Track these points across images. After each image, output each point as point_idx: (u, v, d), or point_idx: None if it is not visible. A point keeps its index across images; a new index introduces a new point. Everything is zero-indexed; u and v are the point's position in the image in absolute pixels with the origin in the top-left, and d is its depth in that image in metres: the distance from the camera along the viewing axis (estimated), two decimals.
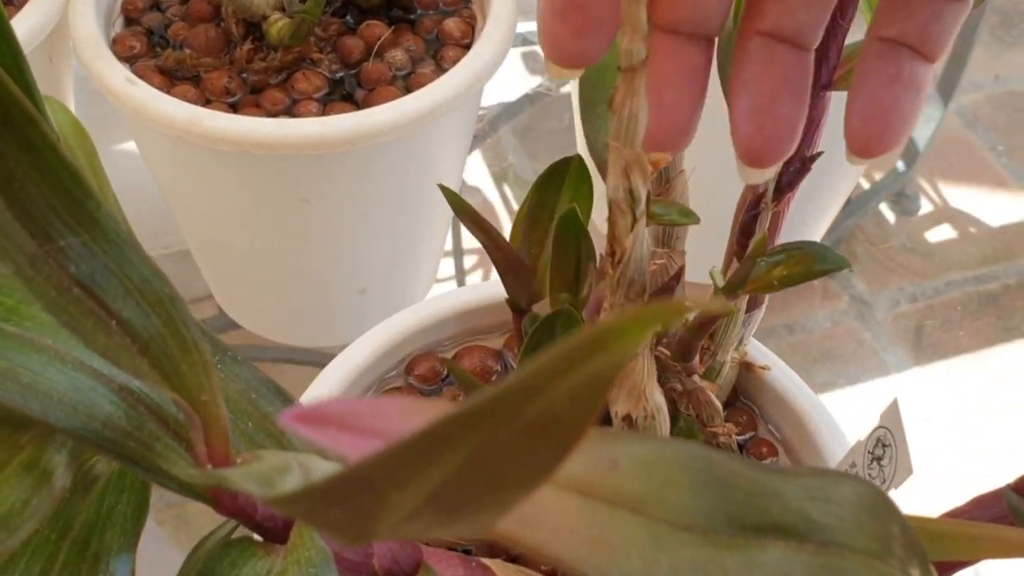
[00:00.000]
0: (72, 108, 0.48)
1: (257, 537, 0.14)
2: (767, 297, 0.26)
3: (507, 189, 0.62)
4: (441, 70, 0.39)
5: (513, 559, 0.21)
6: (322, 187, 0.38)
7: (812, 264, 0.22)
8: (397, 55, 0.40)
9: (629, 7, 0.14)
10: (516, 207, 0.61)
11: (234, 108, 0.38)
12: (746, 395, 0.29)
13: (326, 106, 0.39)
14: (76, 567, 0.13)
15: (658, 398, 0.18)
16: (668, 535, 0.11)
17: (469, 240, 0.56)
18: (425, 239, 0.44)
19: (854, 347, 0.57)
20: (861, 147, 0.16)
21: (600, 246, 0.21)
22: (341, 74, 0.40)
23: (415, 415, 0.10)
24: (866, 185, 0.64)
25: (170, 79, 0.39)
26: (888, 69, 0.16)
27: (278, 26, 0.39)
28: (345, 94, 0.40)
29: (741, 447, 0.27)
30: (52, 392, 0.12)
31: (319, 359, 0.48)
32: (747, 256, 0.22)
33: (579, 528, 0.11)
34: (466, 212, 0.24)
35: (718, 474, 0.12)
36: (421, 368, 0.29)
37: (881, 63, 0.16)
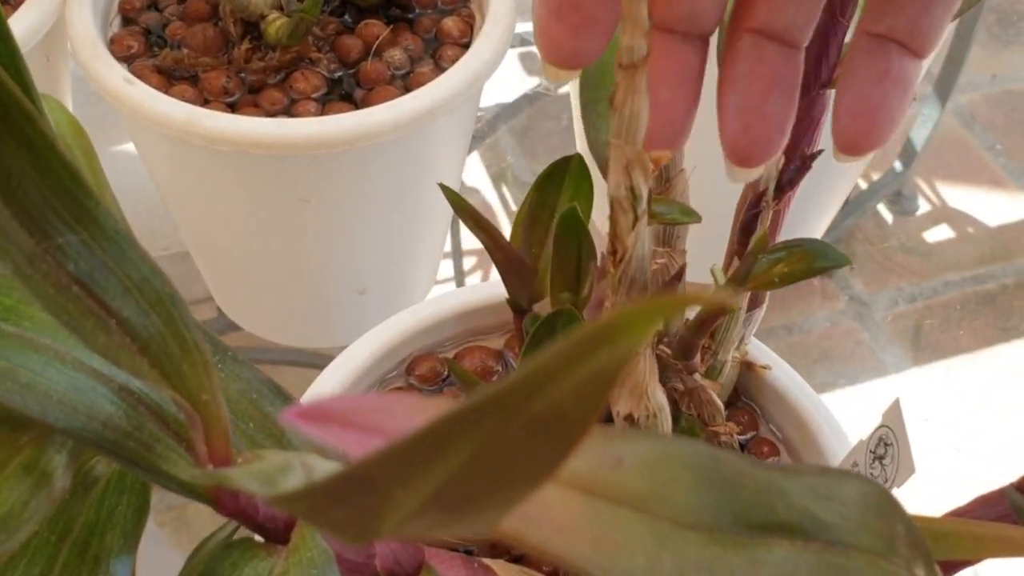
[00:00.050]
0: (70, 109, 0.48)
1: (258, 538, 0.14)
2: (768, 296, 0.26)
3: (505, 190, 0.62)
4: (440, 69, 0.39)
5: (515, 559, 0.20)
6: (321, 187, 0.38)
7: (813, 261, 0.21)
8: (396, 54, 0.40)
9: (630, 3, 0.14)
10: (515, 208, 0.61)
11: (232, 108, 0.38)
12: (747, 394, 0.29)
13: (325, 106, 0.39)
14: (76, 569, 0.13)
15: (660, 397, 0.18)
16: (672, 534, 0.11)
17: (468, 241, 0.56)
18: (424, 239, 0.44)
19: (853, 347, 0.57)
20: (848, 144, 0.16)
21: (600, 245, 0.21)
22: (339, 74, 0.40)
23: (418, 412, 0.10)
24: (864, 185, 0.64)
25: (168, 79, 0.39)
26: (877, 65, 0.16)
27: (276, 25, 0.39)
28: (344, 94, 0.40)
29: (742, 446, 0.27)
30: (51, 392, 0.12)
31: (319, 361, 0.48)
32: (748, 253, 0.22)
33: (583, 526, 0.11)
34: (467, 211, 0.24)
35: (723, 472, 0.12)
36: (422, 369, 0.29)
37: (870, 59, 0.16)
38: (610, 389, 0.08)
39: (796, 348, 0.57)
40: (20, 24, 0.38)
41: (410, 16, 0.42)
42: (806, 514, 0.12)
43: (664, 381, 0.23)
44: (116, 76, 0.36)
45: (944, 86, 0.62)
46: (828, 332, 0.59)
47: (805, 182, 0.23)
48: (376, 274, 0.43)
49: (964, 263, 0.62)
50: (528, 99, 0.66)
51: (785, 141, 0.16)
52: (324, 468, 0.12)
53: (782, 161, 0.22)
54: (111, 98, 0.36)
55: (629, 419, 0.18)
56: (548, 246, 0.25)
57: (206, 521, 0.43)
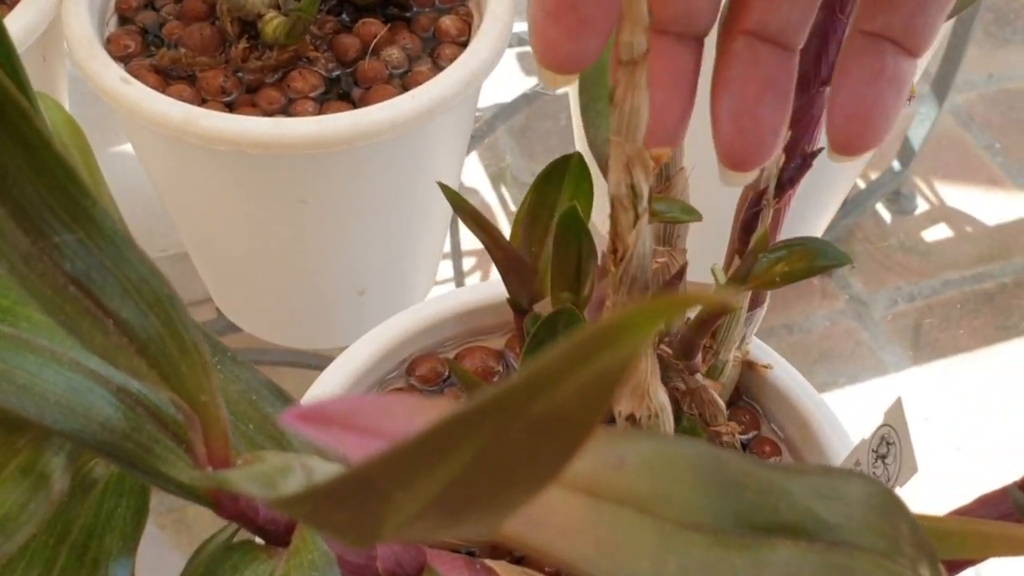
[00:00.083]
0: (67, 109, 0.48)
1: (259, 540, 0.14)
2: (768, 295, 0.26)
3: (504, 190, 0.62)
4: (438, 68, 0.39)
5: (517, 561, 0.20)
6: (319, 187, 0.37)
7: (814, 260, 0.21)
8: (393, 53, 0.40)
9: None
10: (513, 208, 0.61)
11: (230, 107, 0.38)
12: (748, 394, 0.29)
13: (322, 105, 0.39)
14: (75, 572, 0.13)
15: (662, 397, 0.18)
16: (676, 535, 0.11)
17: (467, 242, 0.56)
18: (424, 239, 0.44)
19: (852, 347, 0.57)
20: (843, 144, 0.16)
21: (600, 245, 0.21)
22: (337, 73, 0.40)
23: (419, 414, 0.09)
24: (862, 185, 0.64)
25: (165, 78, 0.39)
26: (871, 64, 0.16)
27: (273, 24, 0.38)
28: (341, 93, 0.40)
29: (744, 446, 0.27)
30: (49, 394, 0.12)
31: (319, 362, 0.48)
32: (749, 251, 0.22)
33: (586, 528, 0.11)
34: (466, 211, 0.23)
35: (726, 473, 0.12)
36: (422, 369, 0.28)
37: (864, 58, 0.16)
38: (614, 391, 0.08)
39: (796, 347, 0.57)
40: (16, 23, 0.37)
41: (408, 15, 0.42)
42: (810, 514, 0.12)
43: (666, 381, 0.23)
44: (113, 76, 0.36)
45: (941, 85, 0.62)
46: (828, 331, 0.58)
47: (805, 180, 0.23)
48: (375, 274, 0.43)
49: (963, 262, 0.63)
50: (526, 99, 0.66)
51: (779, 144, 0.16)
52: (324, 470, 0.12)
53: (783, 159, 0.22)
54: (108, 98, 0.36)
55: (631, 419, 0.18)
56: (548, 245, 0.25)
57: (207, 523, 0.43)
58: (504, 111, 0.65)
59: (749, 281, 0.22)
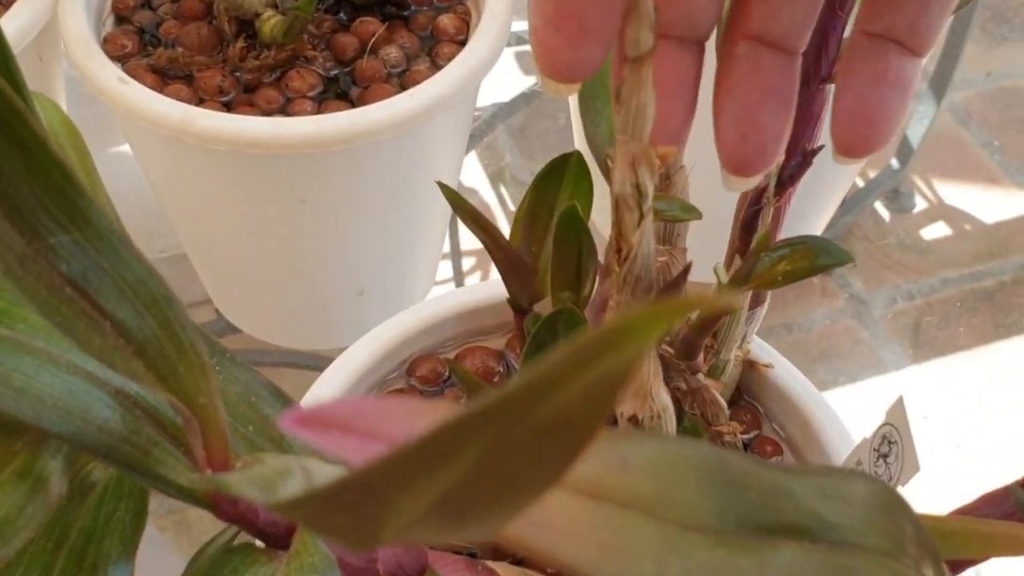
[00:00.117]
0: (64, 110, 0.48)
1: (259, 543, 0.14)
2: (769, 294, 0.26)
3: (503, 189, 0.62)
4: (436, 67, 0.39)
5: (518, 562, 0.20)
6: (318, 187, 0.37)
7: (815, 259, 0.21)
8: (392, 52, 0.40)
9: None
10: (513, 207, 0.61)
11: (228, 107, 0.38)
12: (750, 393, 0.28)
13: (321, 104, 0.38)
14: None
15: (664, 397, 0.18)
16: (680, 537, 0.11)
17: (466, 242, 0.56)
18: (423, 239, 0.44)
19: (852, 345, 0.57)
20: (847, 148, 0.16)
21: (599, 245, 0.21)
22: (335, 72, 0.40)
23: (420, 417, 0.09)
24: (861, 183, 0.64)
25: (162, 78, 0.39)
26: (875, 66, 0.16)
27: (271, 23, 0.38)
28: (340, 92, 0.39)
29: (746, 446, 0.27)
30: (46, 396, 0.12)
31: (318, 362, 0.47)
32: (751, 251, 0.21)
33: (590, 531, 0.10)
34: (466, 210, 0.23)
35: (729, 474, 0.12)
36: (422, 370, 0.28)
37: (868, 60, 0.16)
38: (617, 394, 0.08)
39: (796, 347, 0.57)
40: (12, 23, 0.37)
41: (405, 13, 0.42)
42: (813, 515, 0.12)
43: (667, 381, 0.23)
44: (110, 76, 0.36)
45: (939, 83, 0.62)
46: (827, 330, 0.58)
47: (805, 179, 0.23)
48: (374, 274, 0.43)
49: (962, 260, 0.63)
50: (525, 98, 0.65)
51: (782, 150, 0.16)
52: (325, 473, 0.12)
53: (783, 157, 0.22)
54: (105, 98, 0.36)
55: (633, 420, 0.18)
56: (548, 245, 0.24)
57: (207, 525, 0.43)
58: (503, 110, 0.65)
59: (751, 281, 0.21)
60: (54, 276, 0.11)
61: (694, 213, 0.22)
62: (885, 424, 0.21)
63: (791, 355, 0.28)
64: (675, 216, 0.22)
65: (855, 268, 0.60)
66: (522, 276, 0.25)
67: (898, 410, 0.21)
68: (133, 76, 0.37)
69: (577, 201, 0.23)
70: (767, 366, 0.28)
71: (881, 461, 0.21)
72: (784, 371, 0.28)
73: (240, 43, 0.39)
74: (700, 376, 0.23)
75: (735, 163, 0.16)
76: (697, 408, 0.23)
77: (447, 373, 0.28)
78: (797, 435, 0.28)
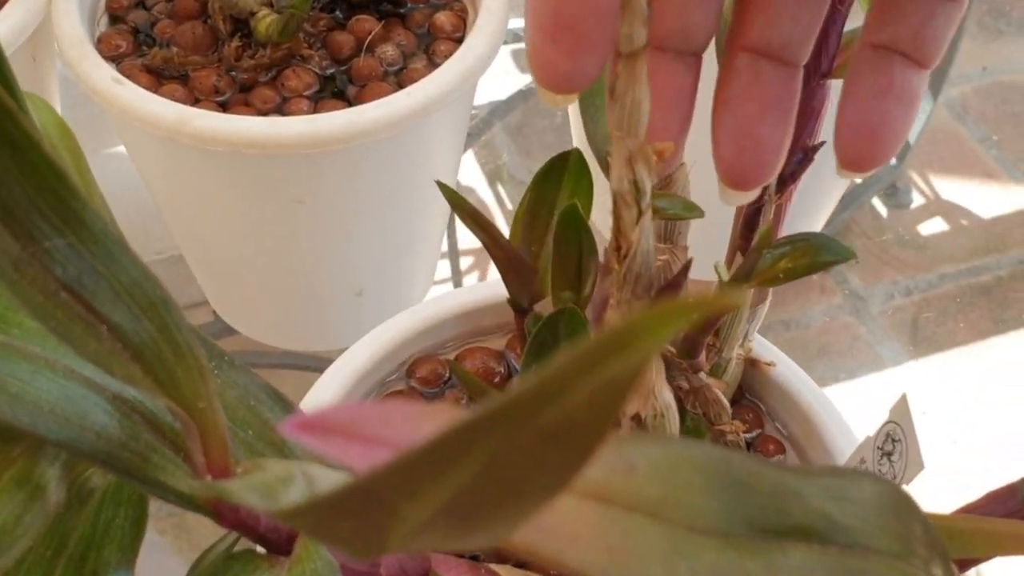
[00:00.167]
0: (58, 111, 0.48)
1: (260, 549, 0.14)
2: (771, 291, 0.26)
3: (501, 188, 0.62)
4: (433, 65, 0.39)
5: (521, 565, 0.20)
6: (315, 187, 0.37)
7: (817, 256, 0.21)
8: (388, 50, 0.40)
9: None
10: (511, 206, 0.61)
11: (223, 107, 0.38)
12: (751, 392, 0.28)
13: (317, 103, 0.38)
14: None
15: (667, 396, 0.18)
16: (688, 540, 0.11)
17: (465, 241, 0.56)
18: (421, 239, 0.43)
19: (850, 342, 0.57)
20: (852, 162, 0.16)
21: (600, 244, 0.21)
22: (331, 70, 0.40)
23: (425, 422, 0.09)
24: (858, 180, 0.64)
25: (157, 78, 0.38)
26: (880, 79, 0.16)
27: (266, 22, 0.38)
28: (336, 91, 0.39)
29: (748, 445, 0.27)
30: (42, 402, 0.12)
31: (318, 364, 0.47)
32: (753, 248, 0.21)
33: (597, 536, 0.10)
34: (465, 209, 0.23)
35: (736, 476, 0.12)
36: (423, 371, 0.28)
37: (872, 73, 0.16)
38: (625, 398, 0.07)
39: (794, 343, 0.57)
40: (5, 23, 0.37)
41: (402, 11, 0.42)
42: (822, 516, 0.12)
43: (670, 380, 0.22)
44: (104, 76, 0.36)
45: (936, 78, 0.62)
46: (826, 327, 0.58)
47: (805, 175, 0.23)
48: (373, 275, 0.43)
49: (959, 255, 0.63)
50: (522, 96, 0.65)
51: (781, 164, 0.16)
52: (327, 479, 0.12)
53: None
54: (99, 98, 0.36)
55: (636, 419, 0.18)
56: (548, 244, 0.24)
57: (207, 528, 0.43)
58: (500, 108, 0.65)
59: (753, 278, 0.21)
60: (49, 280, 0.11)
61: (696, 211, 0.22)
62: (889, 422, 0.21)
63: (789, 352, 0.28)
64: (677, 214, 0.22)
65: (853, 264, 0.60)
66: (522, 276, 0.24)
67: (902, 408, 0.21)
68: (128, 76, 0.37)
69: (577, 199, 0.23)
70: (769, 364, 0.27)
71: (885, 459, 0.21)
72: (786, 369, 0.27)
73: (235, 42, 0.39)
74: (702, 375, 0.23)
75: (733, 177, 0.16)
76: (700, 407, 0.23)
77: (447, 374, 0.28)
78: (800, 433, 0.27)
